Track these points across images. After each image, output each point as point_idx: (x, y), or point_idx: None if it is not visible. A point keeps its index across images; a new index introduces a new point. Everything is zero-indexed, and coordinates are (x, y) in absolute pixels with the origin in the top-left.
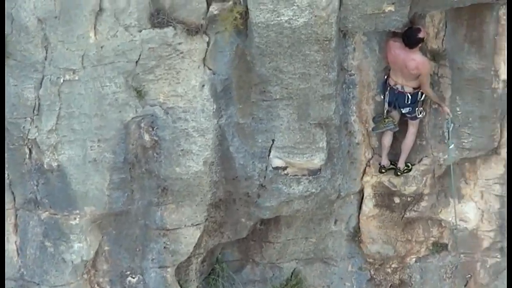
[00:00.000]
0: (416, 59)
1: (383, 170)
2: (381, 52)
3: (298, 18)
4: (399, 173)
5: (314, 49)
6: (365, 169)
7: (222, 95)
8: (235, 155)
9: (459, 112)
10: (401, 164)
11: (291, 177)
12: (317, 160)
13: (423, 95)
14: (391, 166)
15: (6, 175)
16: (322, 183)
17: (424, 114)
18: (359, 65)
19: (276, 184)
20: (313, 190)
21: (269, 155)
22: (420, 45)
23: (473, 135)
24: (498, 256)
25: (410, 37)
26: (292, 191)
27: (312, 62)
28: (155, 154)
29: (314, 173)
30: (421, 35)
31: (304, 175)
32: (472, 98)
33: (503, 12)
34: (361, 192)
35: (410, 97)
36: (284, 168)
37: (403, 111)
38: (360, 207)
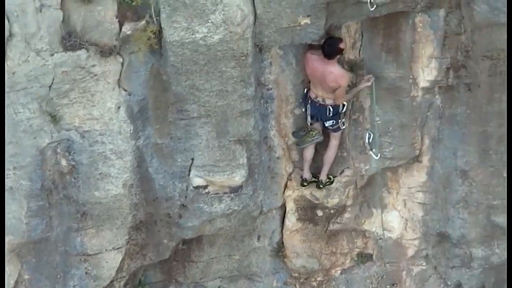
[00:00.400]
0: (334, 72)
1: (305, 184)
2: (298, 65)
3: (213, 35)
4: (321, 186)
5: (230, 66)
6: (286, 184)
7: (139, 116)
8: (154, 176)
9: (379, 122)
10: (323, 177)
11: (212, 195)
12: (238, 177)
13: (345, 107)
14: (313, 179)
15: None
16: (244, 200)
17: (346, 125)
18: (276, 79)
19: (198, 203)
20: (235, 208)
21: (189, 175)
22: (338, 56)
23: (394, 144)
24: (424, 264)
25: (330, 47)
26: (214, 210)
27: (229, 79)
28: (72, 179)
29: (235, 190)
30: (342, 45)
31: (225, 192)
32: (392, 107)
33: (419, 19)
34: (283, 206)
35: (332, 109)
36: (205, 187)
37: (326, 124)
38: (283, 222)
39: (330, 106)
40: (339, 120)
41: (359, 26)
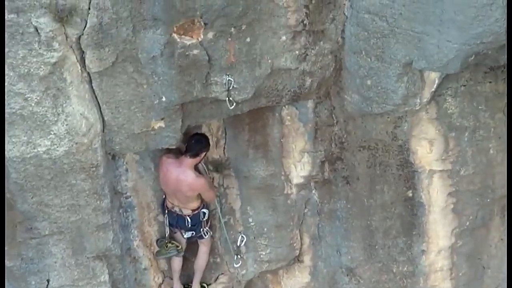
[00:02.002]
0: (188, 179)
1: None
2: (157, 170)
3: (57, 147)
4: None
5: (80, 178)
6: None
7: None
8: None
9: (252, 223)
10: (195, 287)
11: None
12: None
13: (206, 214)
14: None
15: None
16: None
17: (210, 233)
18: (134, 186)
19: None
20: None
21: None
22: (204, 155)
23: (271, 245)
24: None
25: (197, 142)
26: None
27: (80, 192)
28: None
29: None
30: (208, 142)
31: None
32: (265, 206)
33: (286, 112)
34: None
35: (190, 220)
36: None
37: (185, 236)
38: None
39: (187, 217)
40: (202, 229)
41: (221, 123)
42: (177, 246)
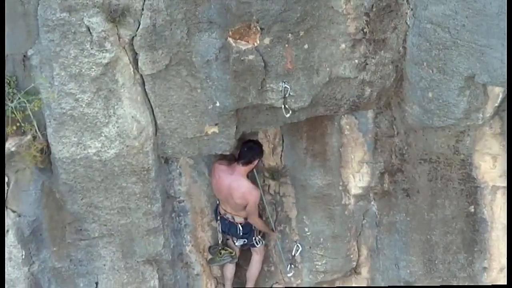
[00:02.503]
0: (241, 186)
1: None
2: (211, 171)
3: (108, 149)
4: None
5: (131, 181)
6: None
7: (32, 239)
8: None
9: (308, 233)
10: None
11: None
12: None
13: None
14: None
15: None
16: None
17: (263, 242)
18: (188, 191)
19: None
20: None
21: None
22: (257, 162)
23: (327, 256)
24: None
25: (249, 149)
26: None
27: (130, 195)
28: None
29: None
30: (261, 149)
31: None
32: (321, 216)
33: (345, 121)
34: None
35: (241, 228)
36: None
37: (236, 244)
38: None
39: (239, 225)
40: (254, 238)
41: (278, 130)
42: (231, 253)
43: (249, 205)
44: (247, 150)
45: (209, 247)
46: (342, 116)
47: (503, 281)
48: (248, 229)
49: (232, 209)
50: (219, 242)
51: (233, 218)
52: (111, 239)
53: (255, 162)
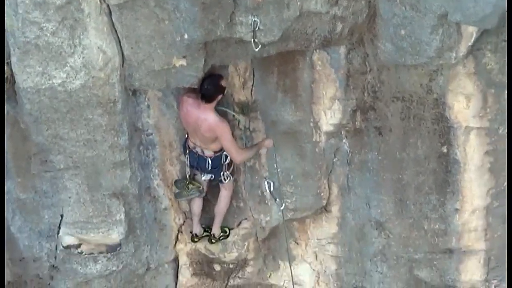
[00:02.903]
0: (208, 120)
1: (195, 239)
2: (179, 103)
3: (73, 80)
4: (213, 241)
5: (97, 113)
6: (177, 236)
7: None
8: (17, 235)
9: (278, 170)
10: (215, 231)
11: (86, 255)
12: (116, 235)
13: (228, 158)
14: (205, 234)
15: None
16: (125, 258)
17: (231, 178)
18: (156, 124)
19: (70, 264)
20: (114, 268)
21: (58, 233)
22: (219, 97)
23: (297, 194)
24: None
25: (209, 86)
26: (89, 271)
27: (97, 127)
28: None
29: (113, 249)
30: (223, 83)
31: (101, 252)
32: (292, 153)
33: (317, 57)
34: (177, 260)
35: (210, 161)
36: (78, 246)
37: (203, 178)
38: (177, 277)
39: (209, 158)
40: (222, 173)
41: (249, 64)
42: (199, 187)
43: (220, 138)
44: (206, 88)
45: (175, 181)
46: (314, 51)
47: (475, 223)
48: (217, 164)
49: (201, 142)
50: (187, 176)
51: (203, 152)
52: (77, 172)
53: (218, 97)
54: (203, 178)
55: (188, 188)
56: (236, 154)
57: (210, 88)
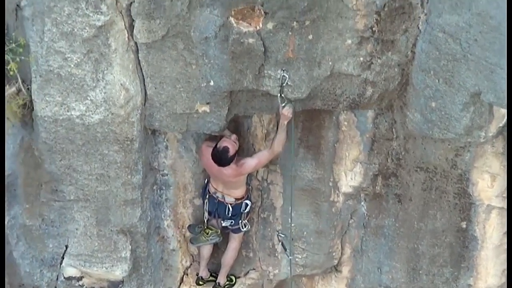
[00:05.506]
0: (230, 170)
1: (200, 282)
2: (199, 153)
3: (92, 114)
4: None
5: (113, 149)
6: (182, 278)
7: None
8: (19, 262)
9: (292, 225)
10: (221, 280)
11: None
12: (119, 272)
13: (248, 206)
14: (211, 278)
15: None
16: None
17: (248, 227)
18: (173, 165)
19: None
20: None
21: (61, 263)
22: (235, 159)
23: (308, 251)
24: None
25: (220, 160)
26: None
27: (111, 163)
28: None
29: (115, 285)
30: (231, 152)
31: (102, 287)
32: (307, 210)
33: (344, 117)
34: None
35: (231, 209)
36: (79, 279)
37: (223, 224)
38: None
39: (229, 205)
40: (240, 221)
41: (273, 116)
42: (217, 232)
43: (255, 167)
44: (219, 162)
45: (189, 226)
46: (341, 111)
47: None
48: (237, 211)
49: (225, 187)
50: (205, 221)
51: (224, 198)
52: (87, 204)
53: (234, 160)
54: (223, 224)
55: (207, 234)
56: (272, 154)
57: (223, 162)
